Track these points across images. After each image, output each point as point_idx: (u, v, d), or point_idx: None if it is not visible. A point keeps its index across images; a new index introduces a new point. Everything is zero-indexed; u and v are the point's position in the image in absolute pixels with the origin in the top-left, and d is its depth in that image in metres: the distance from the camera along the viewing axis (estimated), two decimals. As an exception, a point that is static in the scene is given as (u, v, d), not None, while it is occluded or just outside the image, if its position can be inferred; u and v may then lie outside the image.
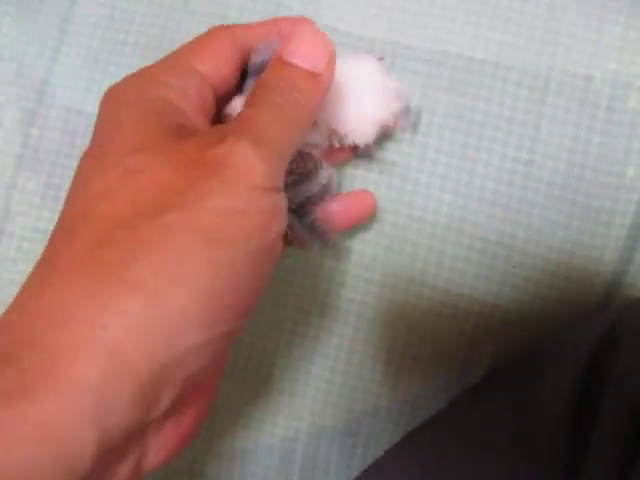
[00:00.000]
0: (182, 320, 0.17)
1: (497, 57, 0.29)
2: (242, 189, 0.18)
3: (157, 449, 0.20)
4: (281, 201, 0.20)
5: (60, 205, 0.31)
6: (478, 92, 0.29)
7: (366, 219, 0.29)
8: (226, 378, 0.30)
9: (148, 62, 0.31)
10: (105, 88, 0.31)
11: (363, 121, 0.26)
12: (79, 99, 0.32)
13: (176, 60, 0.23)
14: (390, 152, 0.30)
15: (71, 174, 0.31)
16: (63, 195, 0.31)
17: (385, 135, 0.28)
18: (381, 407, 0.30)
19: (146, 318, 0.17)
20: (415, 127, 0.30)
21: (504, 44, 0.30)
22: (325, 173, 0.25)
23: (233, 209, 0.18)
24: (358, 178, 0.30)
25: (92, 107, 0.32)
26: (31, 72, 0.32)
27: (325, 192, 0.26)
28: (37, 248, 0.32)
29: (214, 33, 0.23)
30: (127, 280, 0.17)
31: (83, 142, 0.31)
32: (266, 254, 0.20)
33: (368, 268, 0.30)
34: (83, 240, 0.18)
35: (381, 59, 0.29)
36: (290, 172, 0.24)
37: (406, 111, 0.27)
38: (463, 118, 0.29)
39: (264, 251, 0.19)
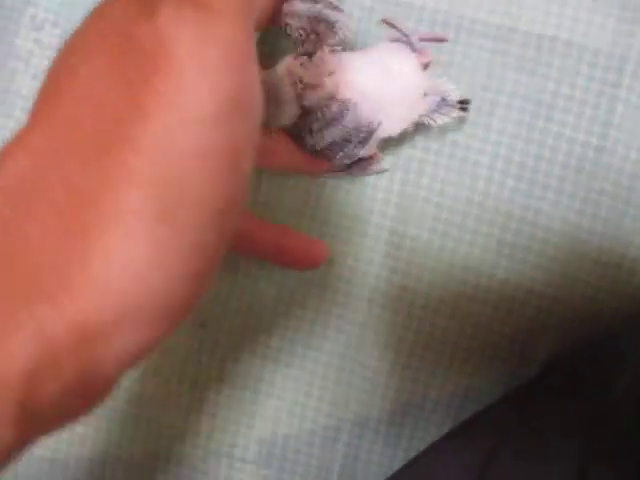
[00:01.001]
0: (120, 316, 0.14)
1: (570, 35, 0.28)
2: (196, 96, 0.13)
3: None
4: (256, 99, 0.14)
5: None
6: (548, 72, 0.28)
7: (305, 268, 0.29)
8: (270, 361, 0.30)
9: None
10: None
11: (392, 118, 0.25)
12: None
13: None
14: (450, 132, 0.28)
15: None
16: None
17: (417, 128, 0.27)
18: (429, 399, 0.29)
19: (83, 310, 0.13)
20: (462, 120, 0.28)
21: (578, 21, 0.28)
22: (351, 117, 0.25)
23: (187, 143, 0.13)
24: (415, 159, 0.29)
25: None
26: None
27: (354, 136, 0.25)
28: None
29: None
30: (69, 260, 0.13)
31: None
32: (235, 198, 0.15)
33: (423, 255, 0.28)
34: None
35: (444, 40, 0.28)
36: (315, 119, 0.25)
37: (445, 107, 0.26)
38: (530, 99, 0.28)
39: (233, 194, 0.14)
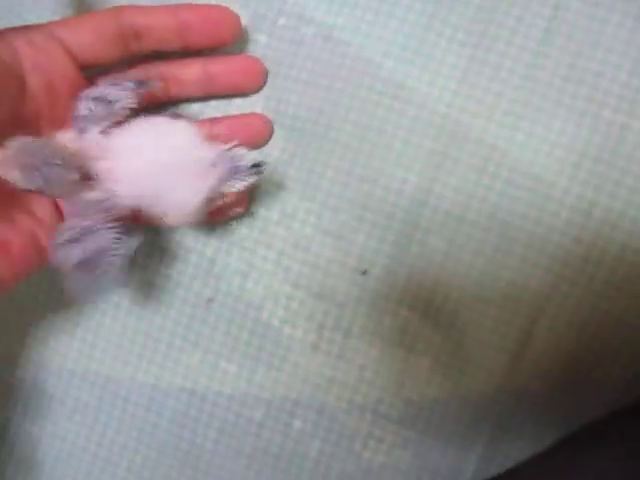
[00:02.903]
0: None
1: None
2: None
3: None
4: None
5: (279, 118, 0.30)
6: None
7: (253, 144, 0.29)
8: (430, 320, 0.28)
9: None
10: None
11: (171, 207, 0.24)
12: (312, 5, 0.30)
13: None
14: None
15: (292, 85, 0.30)
16: (283, 107, 0.30)
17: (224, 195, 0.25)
18: (595, 378, 0.28)
19: None
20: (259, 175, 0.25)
21: None
22: (103, 235, 0.23)
23: None
24: (616, 124, 0.27)
25: (323, 15, 0.29)
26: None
27: (104, 256, 0.23)
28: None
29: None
30: None
31: (308, 51, 0.30)
32: None
33: (613, 226, 0.27)
34: None
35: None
36: (68, 228, 0.23)
37: (239, 173, 0.24)
38: None
39: None
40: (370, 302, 0.29)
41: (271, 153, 0.30)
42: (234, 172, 0.24)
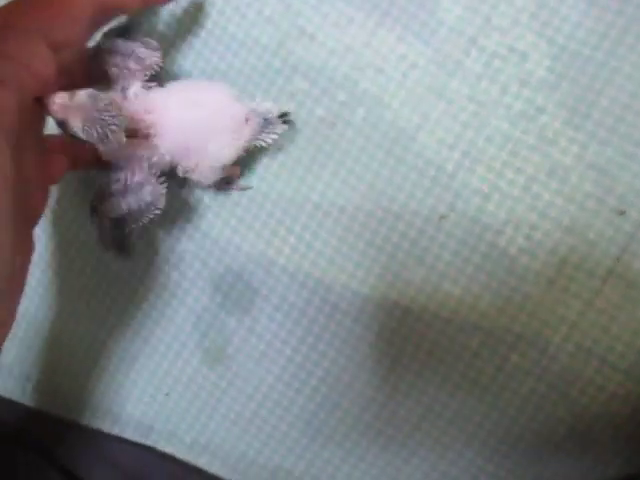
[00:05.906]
0: None
1: None
2: None
3: None
4: None
5: (550, 31, 0.28)
6: None
7: None
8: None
9: None
10: None
11: (206, 160, 0.26)
12: None
13: None
14: None
15: (573, 1, 0.28)
16: (557, 22, 0.28)
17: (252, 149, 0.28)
18: None
19: None
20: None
21: None
22: (149, 190, 0.25)
23: None
24: None
25: None
26: None
27: (147, 210, 0.26)
28: (508, 69, 0.29)
29: None
30: None
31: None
32: None
33: None
34: None
35: None
36: (115, 181, 0.25)
37: (269, 125, 0.27)
38: None
39: None
40: (622, 245, 0.27)
41: (535, 71, 0.28)
42: (265, 125, 0.27)
